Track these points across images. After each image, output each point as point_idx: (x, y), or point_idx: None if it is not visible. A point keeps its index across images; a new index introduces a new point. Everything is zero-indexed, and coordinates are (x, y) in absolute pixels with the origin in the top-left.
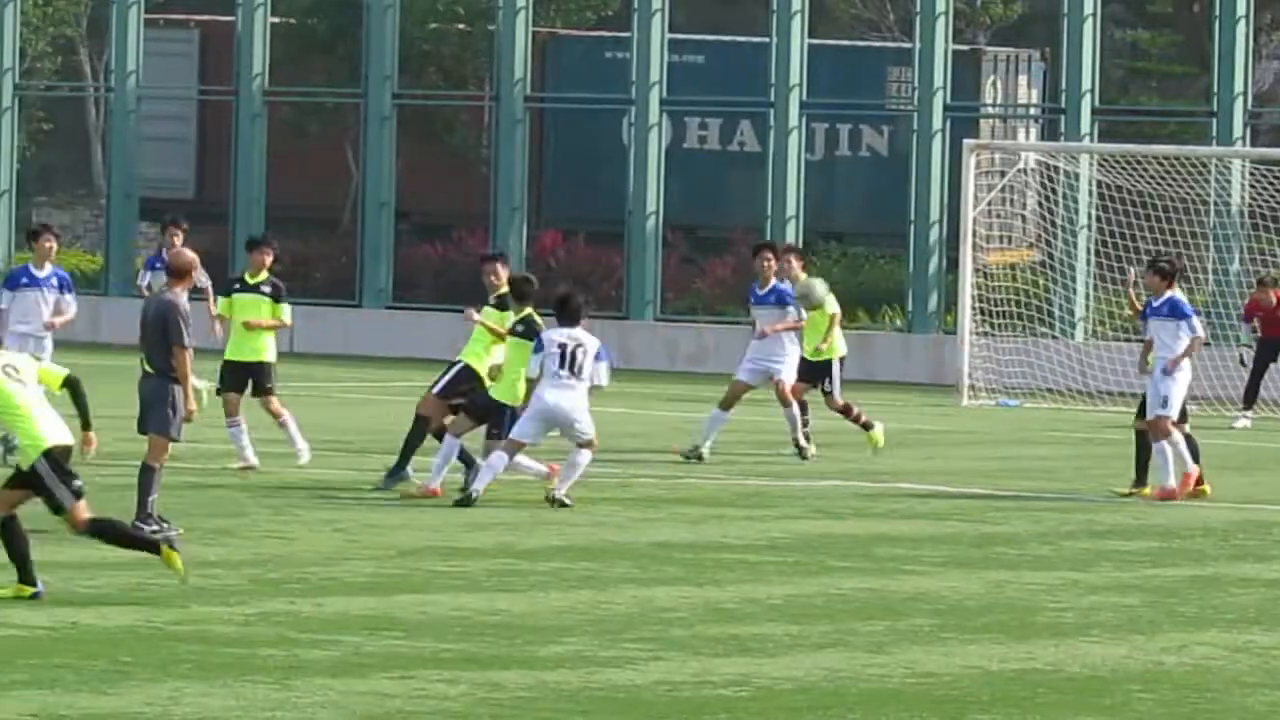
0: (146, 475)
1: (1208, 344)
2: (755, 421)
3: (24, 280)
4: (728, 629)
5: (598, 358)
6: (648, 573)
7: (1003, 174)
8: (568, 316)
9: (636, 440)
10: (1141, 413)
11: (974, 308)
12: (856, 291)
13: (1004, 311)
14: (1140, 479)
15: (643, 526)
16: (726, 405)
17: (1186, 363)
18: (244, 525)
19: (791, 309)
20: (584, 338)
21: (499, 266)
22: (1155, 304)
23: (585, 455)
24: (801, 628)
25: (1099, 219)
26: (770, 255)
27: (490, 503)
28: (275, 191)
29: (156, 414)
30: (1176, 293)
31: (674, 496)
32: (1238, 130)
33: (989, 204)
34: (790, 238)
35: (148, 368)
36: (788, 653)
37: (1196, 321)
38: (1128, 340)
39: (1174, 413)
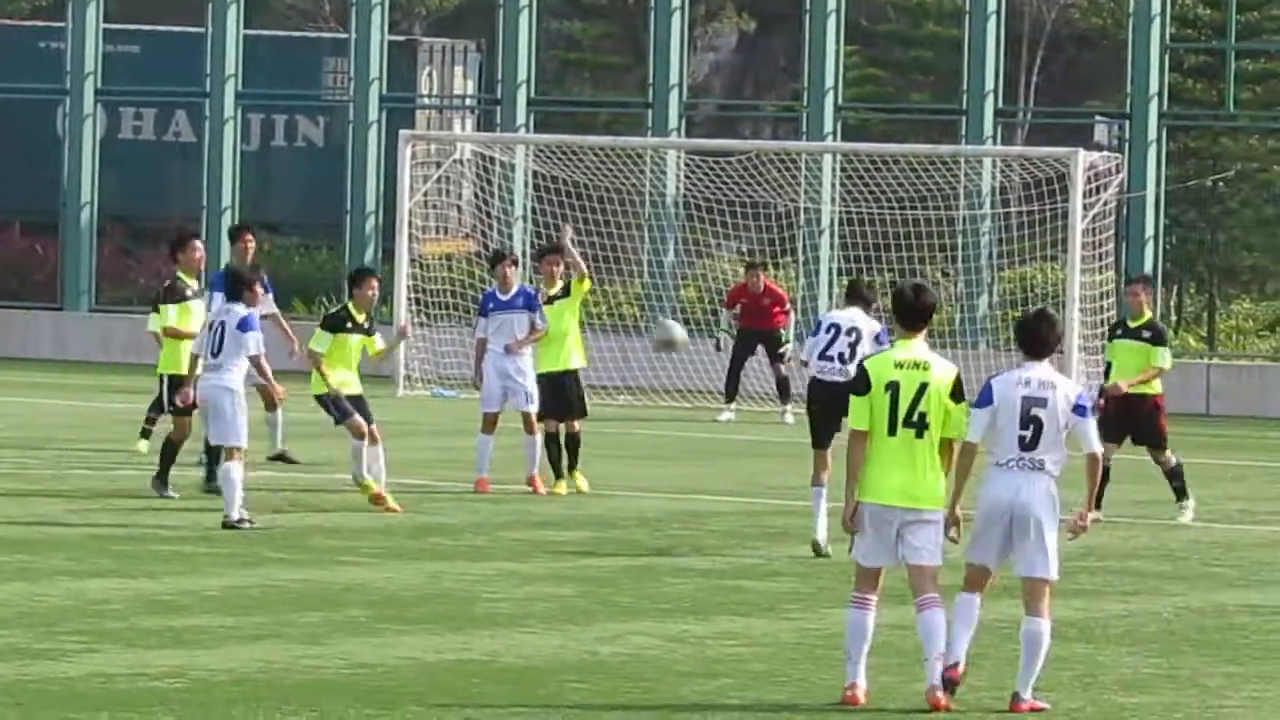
0: None
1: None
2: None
3: None
4: (163, 621)
5: None
6: (82, 565)
7: (439, 165)
8: None
9: (73, 432)
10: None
11: (410, 298)
12: (291, 282)
13: (440, 302)
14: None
15: (79, 519)
16: None
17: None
18: None
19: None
20: None
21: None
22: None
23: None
24: (237, 619)
25: (535, 209)
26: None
27: None
28: None
29: None
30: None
31: (111, 489)
32: (673, 121)
33: (425, 194)
34: (225, 227)
35: None
36: (223, 644)
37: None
38: None
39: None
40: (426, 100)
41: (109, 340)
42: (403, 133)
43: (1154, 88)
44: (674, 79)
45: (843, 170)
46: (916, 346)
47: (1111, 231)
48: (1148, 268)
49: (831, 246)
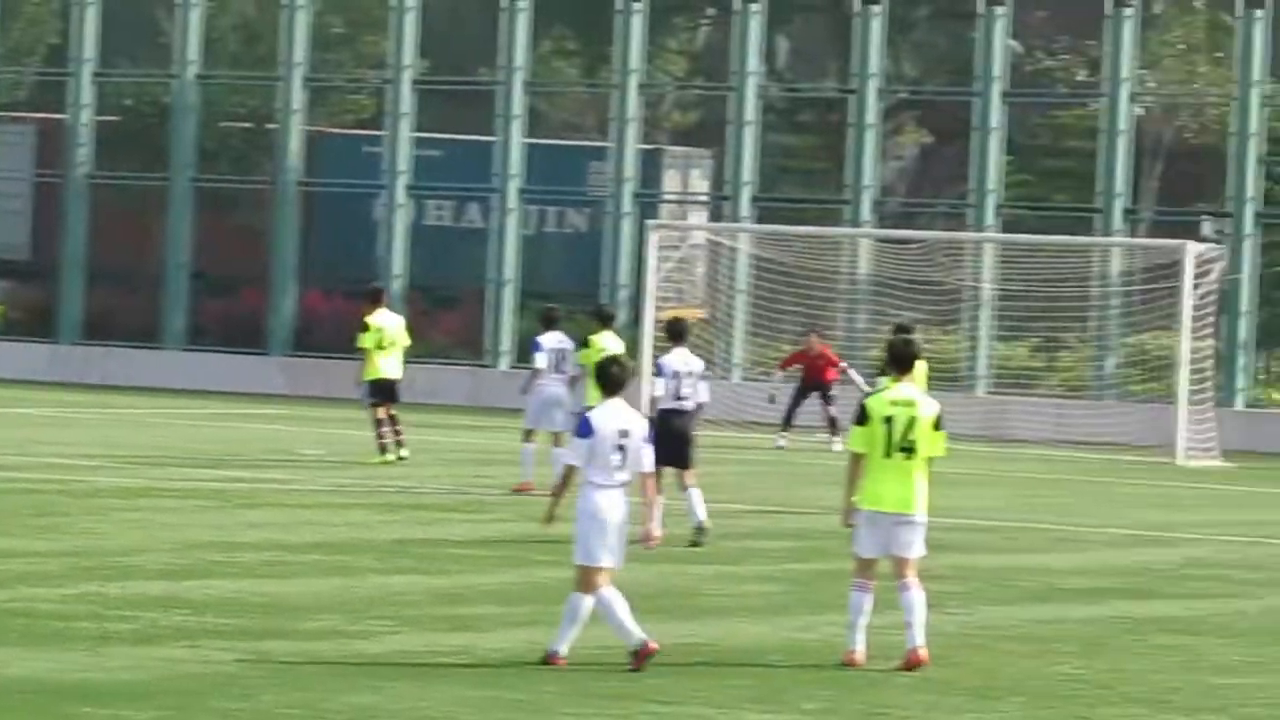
0: None
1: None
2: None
3: None
4: (450, 610)
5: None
6: (386, 564)
7: (677, 248)
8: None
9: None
10: None
11: (653, 354)
12: None
13: None
14: None
15: (384, 527)
16: None
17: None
18: (65, 523)
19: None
20: None
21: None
22: None
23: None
24: (509, 609)
25: (754, 285)
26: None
27: (262, 504)
28: (95, 255)
29: None
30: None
31: (409, 503)
32: (866, 214)
33: (667, 271)
34: (507, 298)
35: None
36: (496, 629)
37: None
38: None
39: None
40: (669, 197)
41: (411, 387)
42: (649, 222)
43: (1250, 192)
44: (866, 180)
45: (1000, 256)
46: (907, 387)
47: (1214, 307)
48: (1243, 337)
49: (990, 316)
